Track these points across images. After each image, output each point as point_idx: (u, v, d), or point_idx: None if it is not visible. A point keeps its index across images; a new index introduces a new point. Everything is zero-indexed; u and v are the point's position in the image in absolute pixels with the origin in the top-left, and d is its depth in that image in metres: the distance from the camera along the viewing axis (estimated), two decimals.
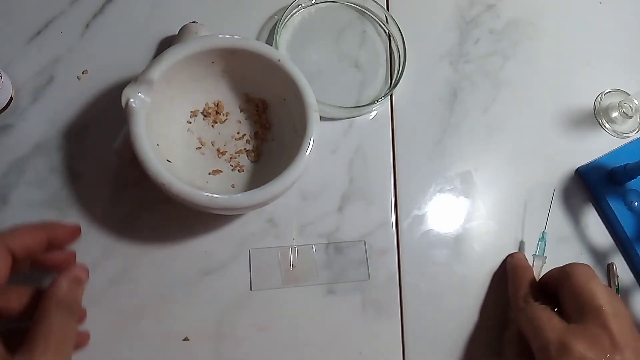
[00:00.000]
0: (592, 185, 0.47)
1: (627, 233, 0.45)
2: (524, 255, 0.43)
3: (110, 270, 0.37)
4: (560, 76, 0.51)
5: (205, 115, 0.41)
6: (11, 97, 0.39)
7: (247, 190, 0.34)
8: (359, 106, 0.44)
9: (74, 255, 0.34)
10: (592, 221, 0.46)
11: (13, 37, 0.41)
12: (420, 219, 0.43)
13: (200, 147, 0.40)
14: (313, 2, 0.48)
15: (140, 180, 0.38)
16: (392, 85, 0.46)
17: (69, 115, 0.40)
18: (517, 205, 0.45)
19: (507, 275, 0.42)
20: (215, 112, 0.41)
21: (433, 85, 0.48)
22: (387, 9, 0.49)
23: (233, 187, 0.39)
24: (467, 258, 0.43)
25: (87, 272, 0.32)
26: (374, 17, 0.49)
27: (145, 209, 0.39)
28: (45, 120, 0.40)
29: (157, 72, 0.35)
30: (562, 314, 0.35)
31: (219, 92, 0.41)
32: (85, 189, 0.38)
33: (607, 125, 0.50)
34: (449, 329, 0.40)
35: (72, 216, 0.37)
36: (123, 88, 0.34)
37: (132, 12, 0.44)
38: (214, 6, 0.46)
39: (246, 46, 0.38)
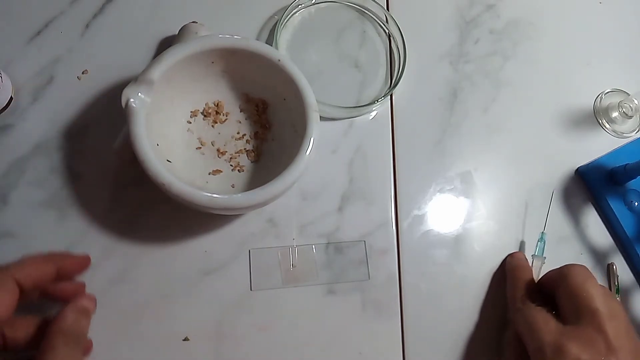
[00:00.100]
0: (592, 185, 0.47)
1: (627, 233, 0.45)
2: (524, 256, 0.43)
3: (110, 270, 0.37)
4: (560, 76, 0.51)
5: (205, 115, 0.41)
6: (11, 97, 0.39)
7: (247, 190, 0.34)
8: (359, 106, 0.44)
9: (83, 286, 0.34)
10: (592, 221, 0.46)
11: (13, 37, 0.41)
12: (420, 219, 0.43)
13: (200, 147, 0.40)
14: (313, 2, 0.48)
15: (140, 180, 0.38)
16: (392, 85, 0.46)
17: (69, 115, 0.40)
18: (517, 205, 0.45)
19: (506, 275, 0.42)
20: (215, 112, 0.41)
21: (433, 85, 0.48)
22: (387, 9, 0.49)
23: (233, 187, 0.39)
24: (467, 258, 0.43)
25: (95, 302, 0.33)
26: (374, 17, 0.49)
27: (145, 209, 0.39)
28: (45, 120, 0.40)
29: (157, 72, 0.35)
30: (559, 315, 0.35)
31: (219, 92, 0.41)
32: (85, 189, 0.38)
33: (607, 125, 0.50)
34: (449, 329, 0.40)
35: (72, 216, 0.37)
36: (123, 88, 0.34)
37: (132, 12, 0.44)
38: (214, 6, 0.46)
39: (246, 46, 0.38)
